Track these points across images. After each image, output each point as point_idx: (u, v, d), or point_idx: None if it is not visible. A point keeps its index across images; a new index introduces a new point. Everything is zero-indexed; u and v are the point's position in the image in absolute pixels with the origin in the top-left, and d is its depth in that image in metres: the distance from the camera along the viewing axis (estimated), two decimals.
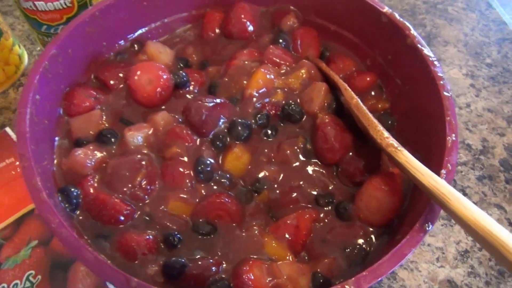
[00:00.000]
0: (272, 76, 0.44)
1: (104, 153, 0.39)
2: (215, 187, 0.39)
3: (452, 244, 0.46)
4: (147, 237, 0.36)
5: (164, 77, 0.43)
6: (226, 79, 0.45)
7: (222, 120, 0.42)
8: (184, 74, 0.45)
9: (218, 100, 0.41)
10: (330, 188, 0.40)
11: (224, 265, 0.35)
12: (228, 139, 0.41)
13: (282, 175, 0.41)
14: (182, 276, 0.34)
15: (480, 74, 0.62)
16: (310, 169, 0.41)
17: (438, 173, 0.33)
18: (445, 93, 0.37)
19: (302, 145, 0.41)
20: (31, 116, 0.36)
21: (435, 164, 0.35)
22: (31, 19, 0.53)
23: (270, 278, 0.33)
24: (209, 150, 0.40)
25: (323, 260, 0.36)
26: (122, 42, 0.50)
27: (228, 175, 0.40)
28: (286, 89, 0.44)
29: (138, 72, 0.43)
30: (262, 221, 0.38)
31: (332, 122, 0.40)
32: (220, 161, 0.41)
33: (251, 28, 0.50)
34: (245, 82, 0.44)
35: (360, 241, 0.37)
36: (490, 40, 0.66)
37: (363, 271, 0.30)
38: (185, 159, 0.39)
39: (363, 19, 0.46)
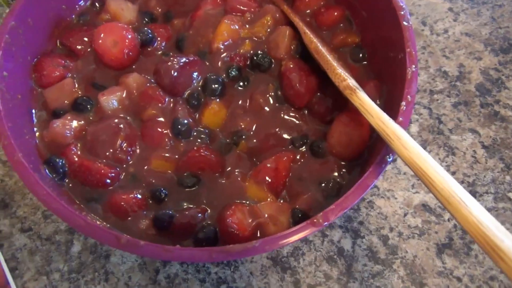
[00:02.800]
0: (237, 27, 0.45)
1: (82, 121, 0.42)
2: (195, 142, 0.43)
3: None
4: (135, 195, 0.40)
5: (129, 36, 0.45)
6: (192, 32, 0.46)
7: (194, 78, 0.44)
8: (149, 30, 0.46)
9: (186, 59, 0.43)
10: (303, 129, 0.44)
11: (209, 212, 0.40)
12: (203, 96, 0.44)
13: (258, 124, 0.44)
14: (171, 226, 0.39)
15: None
16: (283, 114, 0.44)
17: (398, 105, 0.36)
18: (405, 23, 0.39)
19: (273, 92, 0.44)
20: (2, 93, 0.38)
21: (397, 95, 0.37)
22: None
23: (252, 219, 0.38)
24: (184, 109, 0.43)
25: (302, 197, 0.40)
26: (82, 2, 0.51)
27: (206, 130, 0.43)
28: (253, 38, 0.45)
29: (102, 35, 0.44)
30: (244, 168, 0.42)
31: (297, 67, 0.42)
32: (197, 118, 0.44)
33: None
34: (211, 34, 0.45)
35: (334, 175, 0.41)
36: None
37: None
38: (162, 119, 0.42)
39: None
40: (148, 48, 0.47)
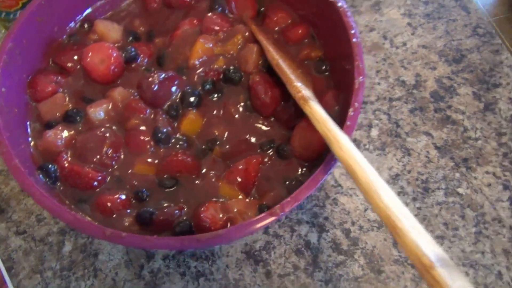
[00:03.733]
0: (211, 45, 0.51)
1: (72, 131, 0.48)
2: (174, 148, 0.48)
3: (385, 170, 0.56)
4: (120, 196, 0.45)
5: (114, 55, 0.50)
6: (171, 50, 0.52)
7: (173, 92, 0.50)
8: (133, 49, 0.52)
9: (165, 75, 0.49)
10: (270, 134, 0.49)
11: (186, 209, 0.45)
12: (181, 107, 0.50)
13: (230, 131, 0.49)
14: (152, 222, 0.44)
15: (417, 12, 0.69)
16: (252, 121, 0.50)
17: (347, 111, 0.42)
18: (354, 40, 0.45)
19: (243, 103, 0.50)
20: (0, 107, 0.44)
21: (348, 103, 0.43)
22: None
23: (223, 214, 0.43)
24: (164, 119, 0.48)
25: (269, 194, 0.46)
26: (72, 24, 0.57)
27: (184, 137, 0.49)
28: (226, 55, 0.52)
29: (90, 54, 0.50)
30: (218, 170, 0.48)
31: (262, 81, 0.48)
32: (176, 126, 0.49)
33: None
34: (188, 52, 0.51)
35: (297, 174, 0.47)
36: None
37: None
38: (144, 128, 0.48)
39: None
40: (132, 64, 0.53)
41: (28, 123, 0.49)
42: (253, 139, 0.49)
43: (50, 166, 0.45)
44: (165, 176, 0.47)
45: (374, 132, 0.59)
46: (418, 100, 0.61)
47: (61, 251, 0.53)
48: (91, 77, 0.51)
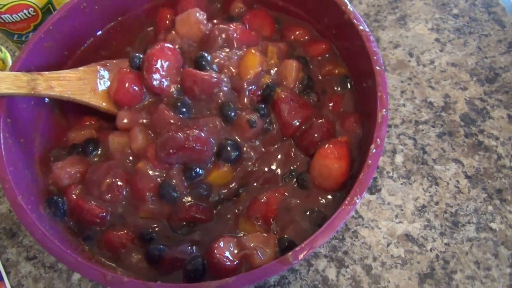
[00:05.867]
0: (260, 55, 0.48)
1: (81, 165, 0.46)
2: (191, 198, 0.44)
3: (410, 201, 0.52)
4: (126, 232, 0.43)
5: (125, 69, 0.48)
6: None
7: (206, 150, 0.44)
8: (138, 55, 0.49)
9: (192, 132, 0.43)
10: (291, 162, 0.46)
11: (198, 246, 0.42)
12: (215, 160, 0.45)
13: (260, 161, 0.46)
14: (162, 260, 0.41)
15: (446, 27, 0.64)
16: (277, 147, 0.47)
17: (368, 147, 0.38)
18: (377, 68, 0.41)
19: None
20: (5, 139, 0.42)
21: (369, 137, 0.40)
22: (2, 30, 0.58)
23: (238, 250, 0.40)
24: (176, 176, 0.44)
25: (290, 226, 0.42)
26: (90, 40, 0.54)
27: (206, 186, 0.45)
28: (270, 69, 0.48)
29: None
30: (237, 209, 0.44)
31: (288, 98, 0.45)
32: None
33: None
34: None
35: (319, 204, 0.43)
36: None
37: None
38: (151, 176, 0.43)
39: None
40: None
41: (35, 151, 0.48)
42: (277, 171, 0.46)
43: (58, 199, 0.43)
44: (177, 223, 0.44)
45: (399, 159, 0.55)
46: (447, 124, 0.57)
47: (70, 279, 0.52)
48: (116, 101, 0.49)
